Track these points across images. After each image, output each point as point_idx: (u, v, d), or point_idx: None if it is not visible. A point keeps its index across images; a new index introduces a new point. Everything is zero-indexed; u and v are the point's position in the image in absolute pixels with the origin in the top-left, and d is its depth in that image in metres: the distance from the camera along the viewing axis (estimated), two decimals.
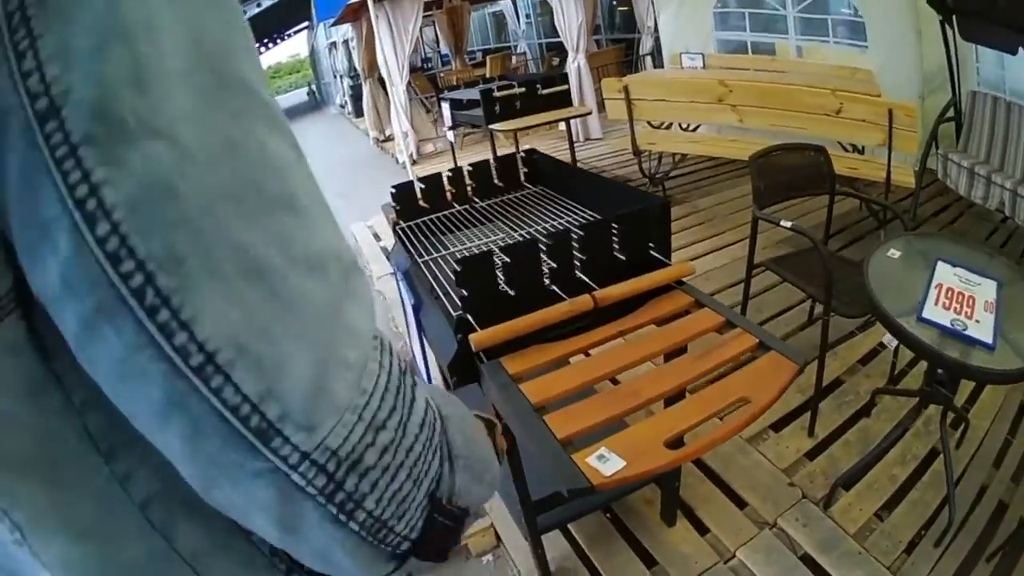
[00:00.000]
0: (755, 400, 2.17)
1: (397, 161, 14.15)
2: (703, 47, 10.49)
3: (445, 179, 4.42)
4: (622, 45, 17.54)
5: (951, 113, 7.79)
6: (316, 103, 47.46)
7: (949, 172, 7.50)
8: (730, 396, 2.24)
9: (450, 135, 9.70)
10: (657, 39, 14.79)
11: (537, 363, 2.61)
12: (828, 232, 5.68)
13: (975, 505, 3.85)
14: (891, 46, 8.57)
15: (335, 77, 31.92)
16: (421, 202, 4.35)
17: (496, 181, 4.56)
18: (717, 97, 7.73)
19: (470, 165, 4.50)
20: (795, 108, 7.18)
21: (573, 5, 12.39)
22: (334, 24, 19.58)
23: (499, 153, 8.18)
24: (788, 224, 4.53)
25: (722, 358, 2.47)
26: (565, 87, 8.90)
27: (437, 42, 25.51)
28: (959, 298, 3.17)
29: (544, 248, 2.86)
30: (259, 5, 33.69)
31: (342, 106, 30.34)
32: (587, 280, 2.88)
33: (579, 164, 9.84)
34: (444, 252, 3.71)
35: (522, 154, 4.67)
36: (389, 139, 16.80)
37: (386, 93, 15.54)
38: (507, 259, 2.69)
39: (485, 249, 2.97)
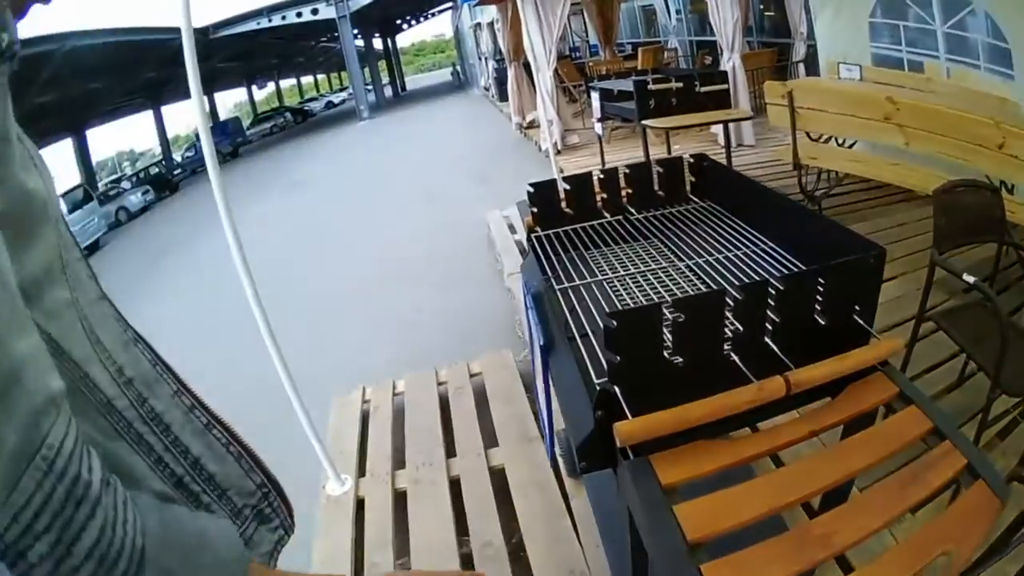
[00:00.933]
0: (957, 553, 1.75)
1: (540, 149, 13.50)
2: (859, 58, 9.69)
3: (596, 181, 3.72)
4: (775, 49, 16.46)
5: None
6: (460, 84, 47.91)
7: None
8: (933, 546, 1.79)
9: (598, 127, 8.96)
10: (810, 45, 14.14)
11: (701, 470, 1.96)
12: (992, 286, 4.90)
13: None
14: None
15: (479, 59, 31.65)
16: (565, 206, 3.66)
17: (657, 189, 3.84)
18: (884, 114, 6.95)
19: (627, 167, 3.79)
20: (958, 136, 6.46)
21: (728, 1, 11.40)
22: (478, 4, 19.00)
23: (650, 152, 7.47)
24: (971, 280, 3.83)
25: (929, 489, 1.95)
26: (725, 86, 8.13)
27: (586, 31, 24.99)
28: None
29: (731, 304, 2.17)
30: None
31: (486, 88, 30.04)
32: (775, 349, 2.22)
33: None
34: (590, 280, 3.02)
35: (690, 159, 3.91)
36: (532, 125, 16.14)
37: (531, 78, 14.96)
38: (679, 316, 2.00)
39: (643, 280, 2.87)
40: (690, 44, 22.25)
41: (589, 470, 2.09)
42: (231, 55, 41.05)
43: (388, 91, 51.86)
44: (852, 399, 2.22)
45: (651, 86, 7.72)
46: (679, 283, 2.96)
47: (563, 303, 2.75)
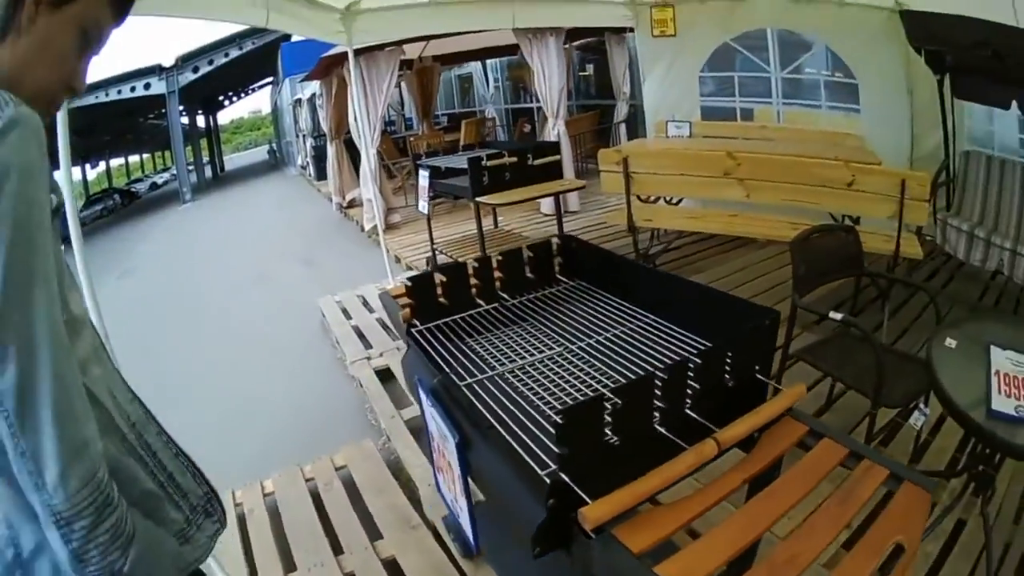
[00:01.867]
0: (908, 540, 2.00)
1: (362, 229, 13.25)
2: (689, 113, 10.10)
3: (471, 270, 3.70)
4: (596, 111, 16.78)
5: (943, 177, 7.76)
6: (276, 162, 47.24)
7: (948, 237, 7.39)
8: (885, 539, 2.02)
9: (424, 206, 8.69)
10: (632, 105, 14.84)
11: (663, 533, 2.07)
12: (853, 312, 5.56)
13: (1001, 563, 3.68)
14: (883, 110, 8.40)
15: (297, 136, 31.03)
16: (441, 298, 3.62)
17: (528, 273, 3.87)
18: (724, 170, 7.06)
19: (499, 255, 3.79)
20: (806, 181, 6.66)
21: (555, 67, 11.41)
22: (304, 80, 18.75)
23: (480, 227, 7.40)
24: (839, 316, 4.12)
25: (861, 500, 2.18)
26: (557, 157, 8.12)
27: (402, 104, 25.09)
28: (1015, 383, 3.07)
29: (659, 384, 2.27)
30: (227, 55, 33.81)
31: (303, 167, 29.62)
32: (696, 417, 2.43)
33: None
34: (492, 373, 3.01)
35: (558, 241, 4.01)
36: (352, 205, 15.95)
37: (351, 156, 14.94)
38: (617, 403, 2.12)
39: (544, 367, 2.98)
40: (507, 112, 22.38)
41: (543, 555, 2.10)
42: (72, 131, 38.64)
43: (208, 171, 50.95)
44: (771, 444, 2.43)
45: (485, 162, 7.60)
46: (579, 367, 2.98)
47: (473, 399, 2.71)
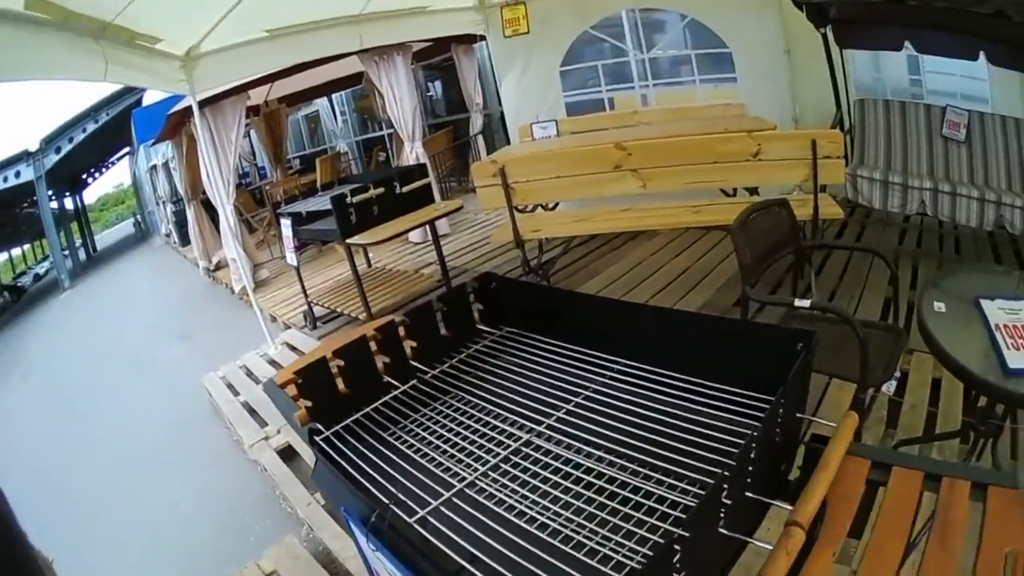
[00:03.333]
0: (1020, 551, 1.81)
1: (233, 291, 12.36)
2: (553, 112, 9.67)
3: (373, 343, 2.92)
4: (449, 128, 16.37)
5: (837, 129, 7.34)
6: (142, 234, 46.11)
7: (860, 189, 7.00)
8: (997, 553, 1.83)
9: (292, 257, 7.93)
10: (487, 115, 14.54)
11: None
12: (795, 292, 5.07)
13: None
14: (761, 73, 8.25)
15: (158, 204, 29.63)
16: (343, 387, 2.81)
17: (444, 331, 3.14)
18: (614, 164, 6.48)
19: (404, 316, 3.04)
20: (706, 160, 6.18)
21: (405, 88, 10.90)
22: (155, 143, 17.75)
23: (340, 271, 6.81)
24: (807, 303, 3.68)
25: (960, 525, 1.94)
26: (426, 181, 7.57)
27: (253, 154, 24.19)
28: (1018, 332, 2.95)
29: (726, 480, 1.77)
30: (84, 130, 32.25)
31: (167, 235, 28.22)
32: (755, 496, 1.96)
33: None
34: (452, 492, 2.24)
35: (474, 284, 3.25)
36: (220, 267, 14.85)
37: (211, 216, 14.12)
38: (684, 534, 1.60)
39: (514, 469, 2.27)
40: (358, 144, 21.83)
41: None
42: None
43: (82, 253, 49.53)
44: (843, 500, 2.06)
45: (350, 199, 6.89)
46: (568, 458, 2.30)
47: (443, 547, 1.97)
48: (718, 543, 1.84)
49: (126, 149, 44.77)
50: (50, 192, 35.81)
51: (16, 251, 65.75)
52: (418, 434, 2.60)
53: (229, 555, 4.96)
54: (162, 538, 5.76)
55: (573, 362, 2.79)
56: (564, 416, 2.47)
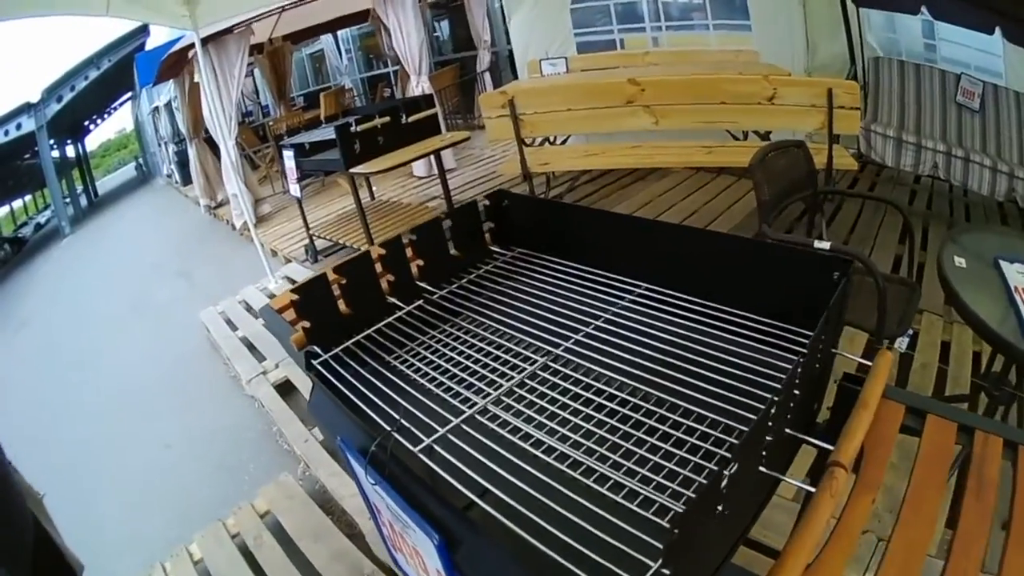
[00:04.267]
0: None
1: (233, 228, 12.14)
2: (563, 50, 9.41)
3: (377, 261, 2.65)
4: (455, 64, 16.09)
5: None
6: (144, 176, 45.93)
7: (874, 144, 7.03)
8: None
9: (295, 189, 7.77)
10: (495, 53, 14.42)
11: None
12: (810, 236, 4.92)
13: None
14: (776, 22, 7.93)
15: (160, 145, 29.40)
16: (343, 307, 2.56)
17: (452, 251, 2.88)
18: (627, 99, 6.30)
19: (411, 233, 2.73)
20: (720, 100, 6.05)
21: (412, 23, 10.75)
22: (156, 84, 17.44)
23: (343, 205, 6.62)
24: (827, 246, 3.44)
25: (994, 481, 1.83)
26: (433, 111, 7.32)
27: (257, 93, 23.95)
28: None
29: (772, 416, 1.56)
30: (87, 78, 32.35)
31: (169, 176, 28.09)
32: (796, 435, 1.84)
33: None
34: (461, 418, 1.98)
35: (485, 202, 2.99)
36: (222, 205, 14.67)
37: (214, 154, 13.84)
38: (734, 466, 1.39)
39: (535, 393, 2.03)
40: (363, 82, 21.71)
41: None
42: None
43: (83, 199, 49.34)
44: (879, 444, 1.91)
45: (355, 128, 6.66)
46: (586, 383, 2.05)
47: (452, 479, 1.70)
48: (755, 483, 1.72)
49: (128, 94, 44.58)
50: (51, 141, 35.76)
51: (17, 203, 65.33)
52: (425, 358, 2.35)
53: (224, 495, 4.80)
54: (155, 480, 5.58)
55: (591, 285, 2.56)
56: (583, 339, 2.23)
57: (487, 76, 14.37)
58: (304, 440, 4.92)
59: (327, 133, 7.60)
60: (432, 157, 7.59)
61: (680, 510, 1.52)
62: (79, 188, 50.63)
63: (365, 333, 2.52)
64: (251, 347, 6.77)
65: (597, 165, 7.30)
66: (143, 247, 17.48)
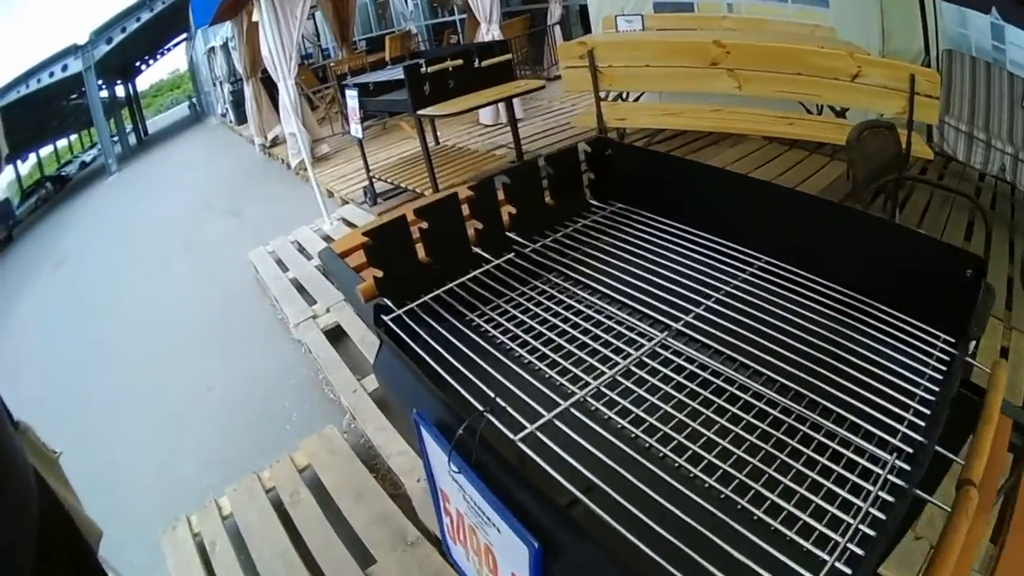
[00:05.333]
0: None
1: (289, 167, 11.77)
2: (639, 7, 8.92)
3: (465, 206, 2.33)
4: (526, 15, 15.66)
5: None
6: (197, 116, 46.31)
7: (947, 137, 6.93)
8: None
9: (356, 129, 7.53)
10: (565, 7, 14.07)
11: None
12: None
13: None
14: (852, 4, 7.64)
15: (215, 85, 29.58)
16: (422, 254, 2.22)
17: (548, 199, 2.54)
18: (710, 60, 6.00)
19: (506, 177, 2.43)
20: (803, 71, 5.79)
21: None
22: (212, 24, 17.27)
23: (404, 149, 6.32)
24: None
25: None
26: (507, 56, 6.89)
27: (317, 36, 23.79)
28: None
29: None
30: (139, 19, 32.41)
31: (223, 115, 28.17)
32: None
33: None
34: (569, 402, 1.64)
35: (587, 148, 2.63)
36: (276, 143, 14.46)
37: (270, 93, 13.62)
38: None
39: (655, 373, 1.71)
40: (428, 28, 21.36)
41: None
42: None
43: (132, 138, 49.66)
44: (992, 463, 1.53)
45: (425, 69, 6.29)
46: (708, 369, 1.74)
47: (559, 477, 1.40)
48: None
49: (182, 35, 44.85)
50: (100, 82, 36.27)
51: (62, 142, 65.67)
52: (518, 320, 2.02)
53: (263, 445, 4.55)
54: (192, 425, 5.31)
55: (704, 251, 2.23)
56: (702, 315, 1.90)
57: (557, 29, 14.01)
58: (352, 390, 4.60)
59: (394, 73, 7.26)
60: (502, 105, 7.23)
61: (838, 539, 1.27)
62: (128, 127, 50.92)
63: (447, 287, 2.18)
64: (301, 289, 6.50)
65: (674, 125, 6.93)
66: (193, 185, 17.22)
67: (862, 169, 3.80)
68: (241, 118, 18.93)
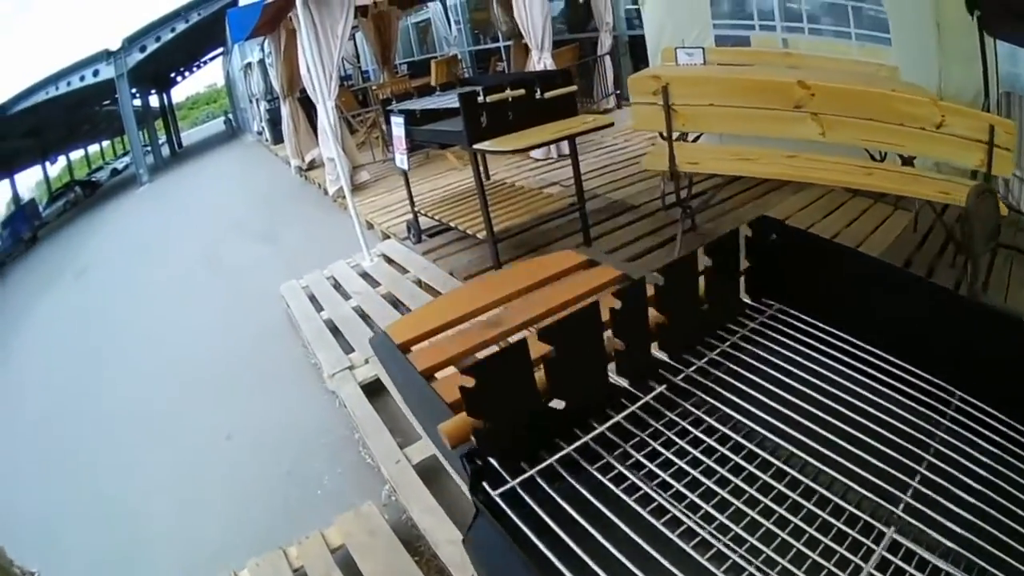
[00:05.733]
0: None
1: (326, 193, 11.26)
2: (700, 40, 8.49)
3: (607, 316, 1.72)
4: (575, 44, 15.01)
5: None
6: (233, 132, 46.90)
7: (1011, 187, 6.45)
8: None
9: (402, 160, 6.94)
10: (615, 38, 13.52)
11: None
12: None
13: None
14: (911, 40, 7.28)
15: (251, 102, 29.49)
16: (541, 388, 1.63)
17: (703, 295, 1.95)
18: (794, 103, 5.48)
19: (660, 277, 1.83)
20: (887, 119, 5.31)
21: None
22: (248, 38, 16.96)
23: (448, 181, 5.87)
24: None
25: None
26: (572, 88, 6.32)
27: (357, 57, 23.75)
28: None
29: None
30: (173, 30, 32.50)
31: (259, 133, 28.03)
32: None
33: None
34: None
35: (747, 232, 2.11)
36: (313, 166, 14.13)
37: (308, 114, 13.35)
38: None
39: None
40: (470, 55, 20.94)
41: None
42: (25, 132, 38.32)
43: (165, 149, 50.01)
44: None
45: (484, 98, 5.74)
46: None
47: None
48: None
49: (219, 49, 45.23)
50: (134, 90, 36.77)
51: (94, 148, 66.61)
52: (674, 490, 1.44)
53: (289, 509, 4.12)
54: (208, 478, 4.77)
55: (887, 382, 1.70)
56: (922, 494, 1.37)
57: (607, 59, 13.56)
58: (394, 460, 4.04)
59: (444, 101, 6.77)
60: (568, 142, 6.69)
61: None
62: (162, 138, 51.31)
63: (578, 443, 1.59)
64: (336, 331, 5.95)
65: (750, 172, 6.36)
66: (225, 203, 16.94)
67: (981, 240, 3.57)
68: (277, 137, 18.74)
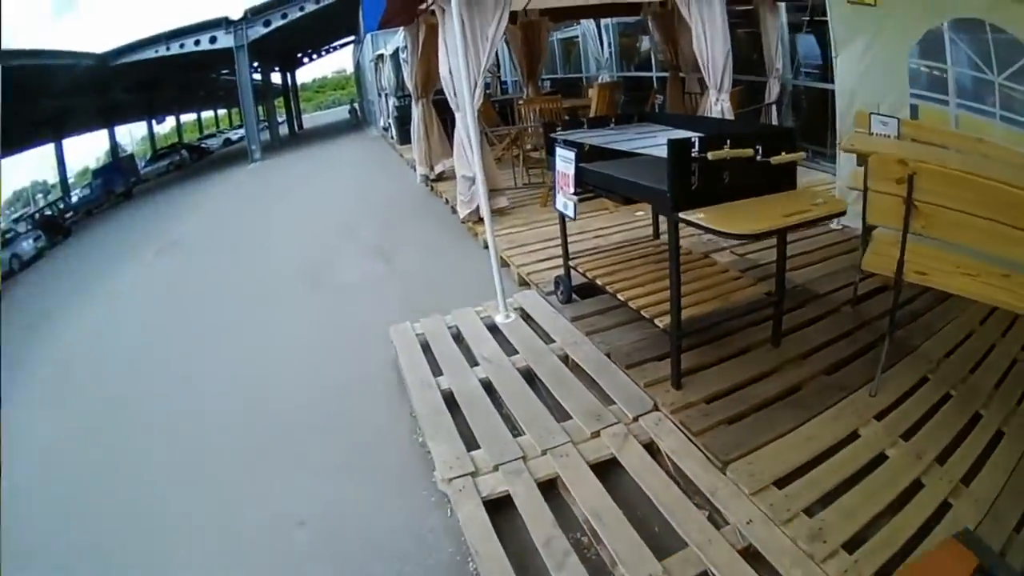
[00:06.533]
0: None
1: (453, 211, 10.20)
2: (895, 109, 7.42)
3: None
4: (741, 86, 13.41)
5: None
6: (357, 122, 47.18)
7: None
8: None
9: (566, 204, 5.60)
10: (782, 86, 12.69)
11: None
12: None
13: None
14: None
15: (379, 95, 28.76)
16: None
17: None
18: None
19: None
20: None
21: (719, 26, 8.72)
22: (381, 26, 15.98)
23: (677, 257, 4.35)
24: None
25: None
26: (799, 155, 4.56)
27: (497, 66, 22.97)
28: None
29: None
30: (302, 9, 32.96)
31: (385, 129, 27.35)
32: None
33: None
34: None
35: None
36: (441, 178, 13.07)
37: (442, 119, 12.38)
38: None
39: None
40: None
41: None
42: (131, 85, 38.72)
43: (284, 128, 50.08)
44: None
45: (703, 154, 4.18)
46: None
47: None
48: None
49: (351, 37, 45.42)
50: (256, 64, 38.42)
51: (208, 114, 67.31)
52: None
53: None
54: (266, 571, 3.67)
55: None
56: None
57: (773, 109, 12.46)
58: None
59: (625, 138, 5.50)
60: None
61: None
62: (282, 117, 51.48)
63: None
64: (454, 409, 4.66)
65: (991, 298, 4.70)
66: (337, 200, 15.95)
67: None
68: (404, 138, 18.08)
